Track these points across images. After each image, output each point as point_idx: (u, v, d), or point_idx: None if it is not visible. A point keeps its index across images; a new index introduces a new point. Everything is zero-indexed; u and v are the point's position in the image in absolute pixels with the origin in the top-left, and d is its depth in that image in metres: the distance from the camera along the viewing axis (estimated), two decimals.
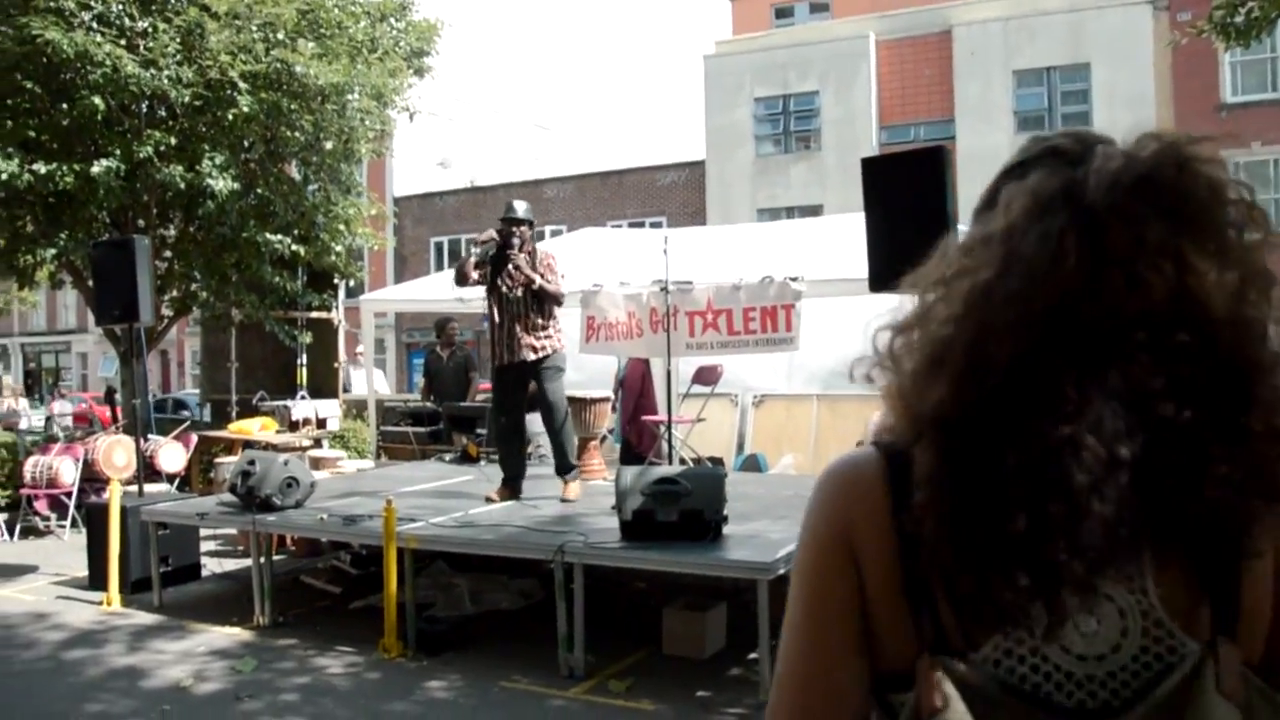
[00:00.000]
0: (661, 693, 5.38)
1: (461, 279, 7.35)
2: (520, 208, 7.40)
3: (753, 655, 5.67)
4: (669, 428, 8.67)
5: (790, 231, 12.55)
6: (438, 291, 11.89)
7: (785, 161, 27.86)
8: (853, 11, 28.66)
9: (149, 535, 7.52)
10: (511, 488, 7.34)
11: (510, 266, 7.11)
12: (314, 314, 13.58)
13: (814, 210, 24.71)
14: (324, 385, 13.65)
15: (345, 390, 14.38)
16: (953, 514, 0.92)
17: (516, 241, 7.13)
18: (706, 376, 9.52)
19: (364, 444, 12.34)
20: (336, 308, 14.12)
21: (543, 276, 7.06)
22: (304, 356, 13.60)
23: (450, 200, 31.57)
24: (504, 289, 7.13)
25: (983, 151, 24.89)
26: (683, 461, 9.28)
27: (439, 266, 28.77)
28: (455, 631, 6.35)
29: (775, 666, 1.07)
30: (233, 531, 8.84)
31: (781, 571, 5.33)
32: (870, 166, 5.59)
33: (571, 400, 8.53)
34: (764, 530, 6.08)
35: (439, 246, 31.20)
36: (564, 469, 7.41)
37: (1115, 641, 0.94)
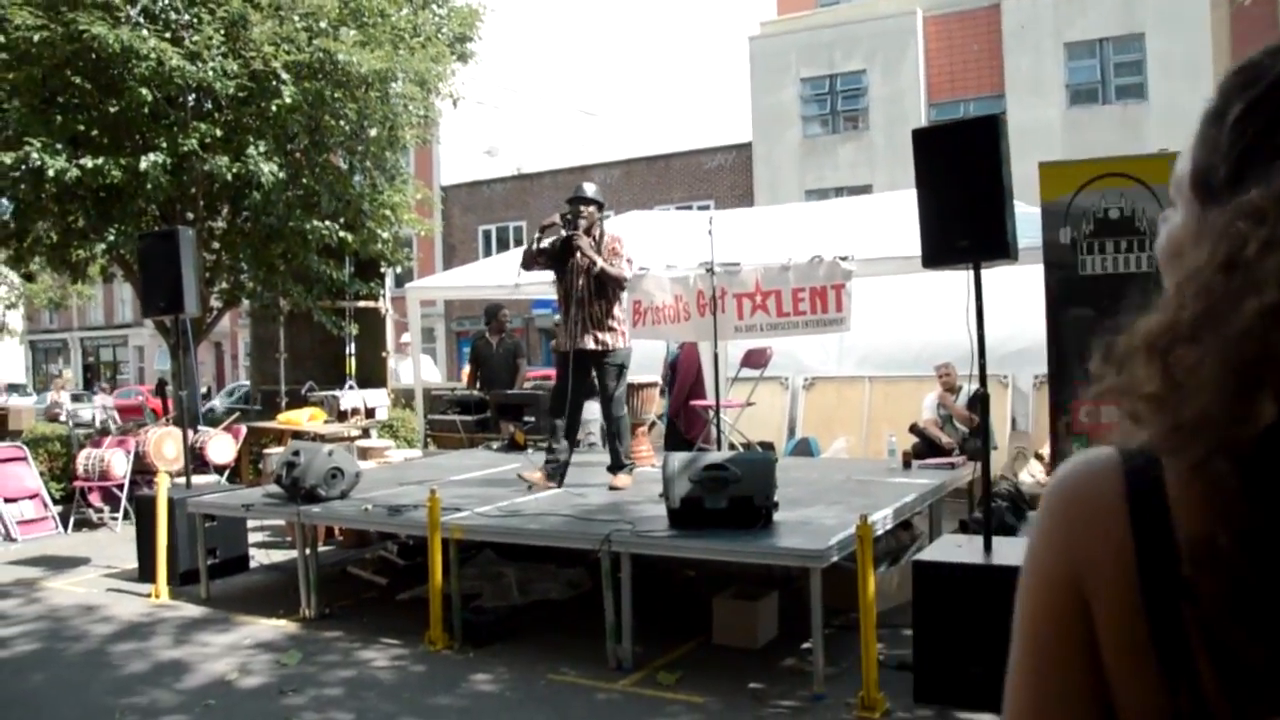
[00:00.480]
0: (712, 685, 5.25)
1: (527, 263, 7.31)
2: (589, 188, 7.31)
3: (806, 645, 5.50)
4: (716, 412, 8.50)
5: (839, 210, 12.30)
6: (485, 278, 11.81)
7: (833, 142, 27.51)
8: None
9: (196, 527, 7.52)
10: (550, 472, 7.24)
11: (575, 254, 7.00)
12: (361, 303, 13.56)
13: (863, 190, 24.40)
14: (372, 375, 13.64)
15: (396, 380, 14.38)
16: (1255, 569, 0.72)
17: (583, 223, 7.03)
18: (755, 360, 9.34)
19: (413, 433, 12.31)
20: (384, 297, 14.09)
21: (606, 260, 6.95)
22: (352, 346, 13.59)
23: (497, 188, 31.58)
24: (570, 274, 7.04)
25: (1034, 126, 24.39)
26: (732, 447, 9.13)
27: (487, 254, 28.81)
28: (502, 623, 6.25)
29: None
30: (281, 523, 8.82)
31: (835, 559, 5.18)
32: (921, 138, 5.37)
33: None
34: (816, 516, 5.92)
35: (487, 234, 31.23)
36: (616, 467, 7.32)
37: None
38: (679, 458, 5.74)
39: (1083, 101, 25.17)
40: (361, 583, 7.63)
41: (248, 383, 24.26)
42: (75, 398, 26.77)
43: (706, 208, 25.93)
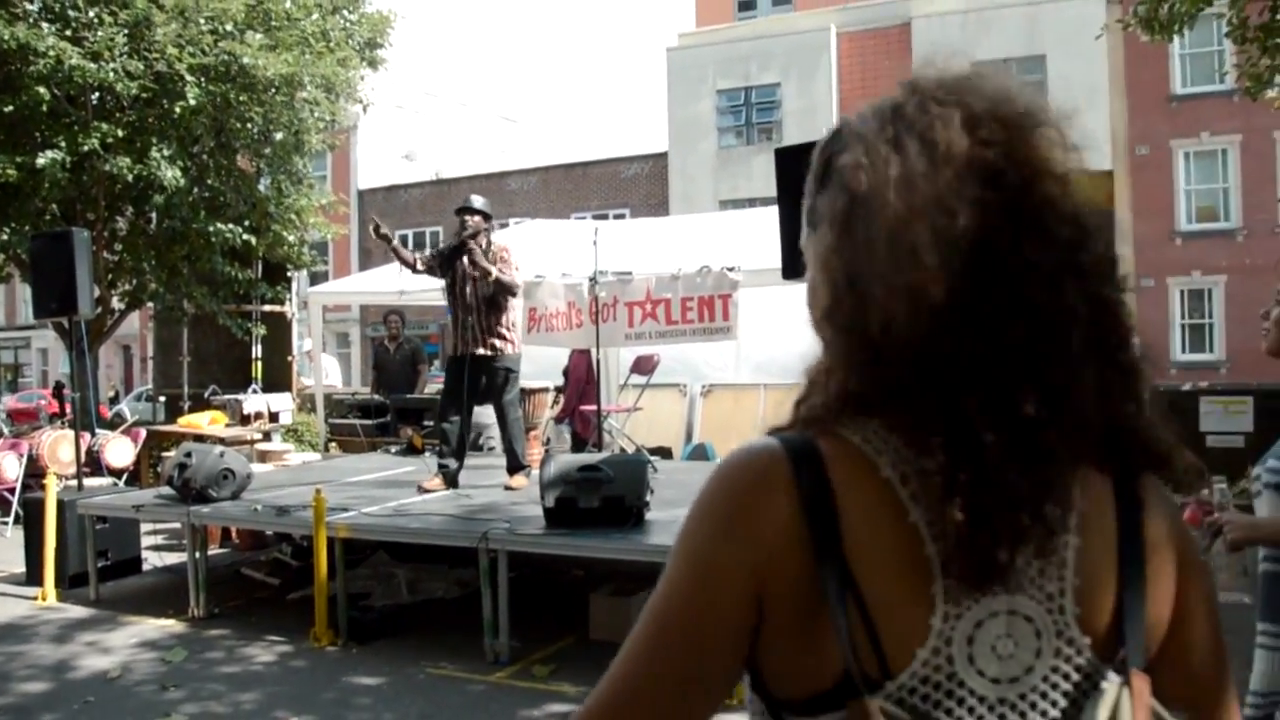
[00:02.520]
0: (585, 676, 5.46)
1: (405, 265, 7.47)
2: (476, 200, 7.46)
3: None
4: (598, 416, 8.74)
5: (735, 222, 12.62)
6: (390, 283, 11.89)
7: (747, 153, 27.96)
8: (814, 4, 28.77)
9: (86, 529, 7.54)
10: (446, 476, 7.36)
11: (466, 259, 7.15)
12: (267, 307, 13.56)
13: (776, 201, 24.83)
14: (278, 379, 13.64)
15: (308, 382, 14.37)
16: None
17: (469, 233, 7.18)
18: (643, 366, 9.62)
19: (316, 437, 12.36)
20: (290, 300, 14.10)
21: (498, 269, 7.10)
22: (258, 349, 13.59)
23: (415, 193, 31.52)
24: (460, 282, 7.18)
25: None
26: (623, 451, 9.39)
27: None
28: (387, 620, 6.41)
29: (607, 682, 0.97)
30: (178, 526, 8.85)
31: None
32: (782, 157, 5.67)
33: None
34: None
35: (404, 239, 31.10)
36: (514, 468, 7.50)
37: (1029, 663, 0.92)
38: (556, 460, 5.96)
39: None
40: (254, 583, 7.72)
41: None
42: None
43: (622, 216, 26.24)
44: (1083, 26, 24.87)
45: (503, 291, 7.19)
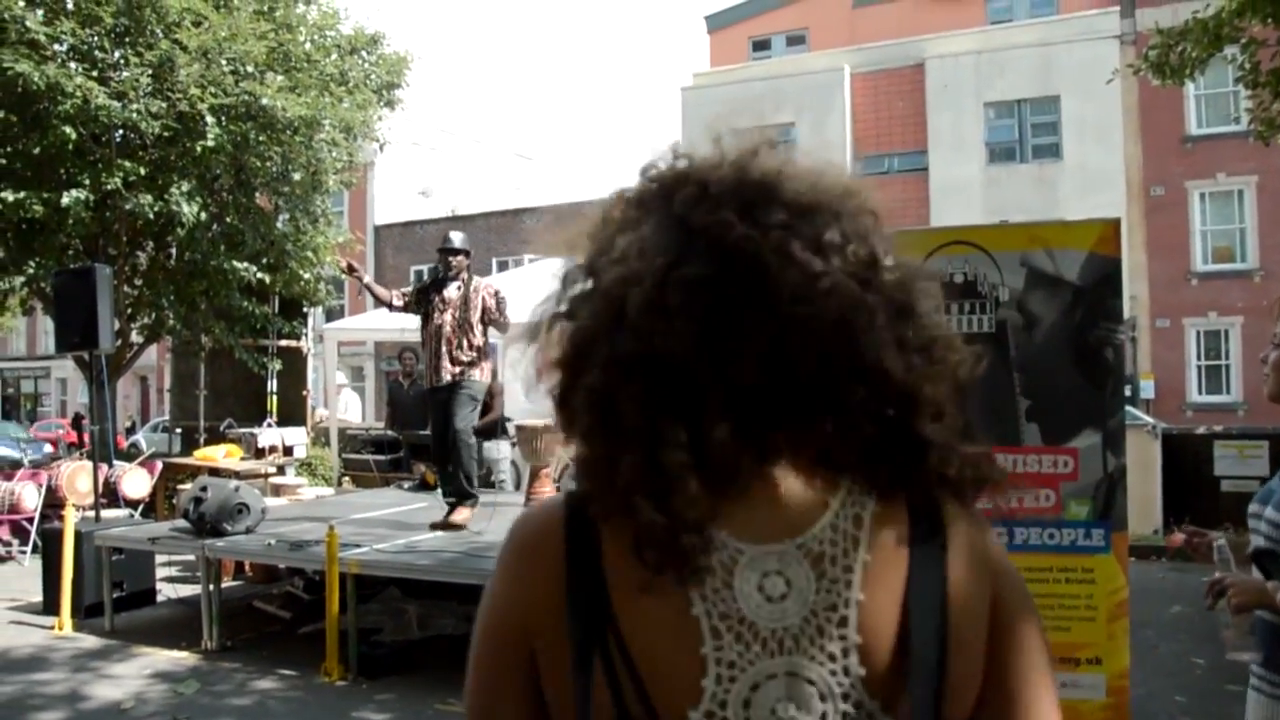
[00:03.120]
0: None
1: (382, 303, 7.52)
2: (456, 238, 7.50)
3: None
4: None
5: None
6: (406, 319, 12.01)
7: None
8: (828, 44, 29.05)
9: (103, 560, 7.62)
10: (456, 510, 7.33)
11: (442, 295, 7.21)
12: (283, 342, 13.70)
13: None
14: (294, 413, 13.76)
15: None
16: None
17: (453, 273, 7.23)
18: None
19: (330, 471, 12.45)
20: (305, 336, 14.24)
21: (484, 308, 7.13)
22: (274, 384, 13.72)
23: (431, 229, 31.71)
24: (435, 316, 7.20)
25: (955, 183, 25.31)
26: None
27: None
28: (397, 655, 6.46)
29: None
30: (192, 558, 8.93)
31: None
32: None
33: (521, 428, 8.68)
34: None
35: (420, 275, 31.32)
36: (461, 495, 7.31)
37: None
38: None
39: (1001, 160, 26.07)
40: (266, 616, 7.79)
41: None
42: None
43: None
44: (1096, 68, 24.99)
45: (472, 330, 7.16)
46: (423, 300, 7.33)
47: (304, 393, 14.23)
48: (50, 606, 7.80)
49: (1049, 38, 25.60)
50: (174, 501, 11.22)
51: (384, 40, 13.76)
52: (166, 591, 8.48)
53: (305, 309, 14.06)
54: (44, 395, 44.49)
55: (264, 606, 7.99)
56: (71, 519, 7.70)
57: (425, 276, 7.51)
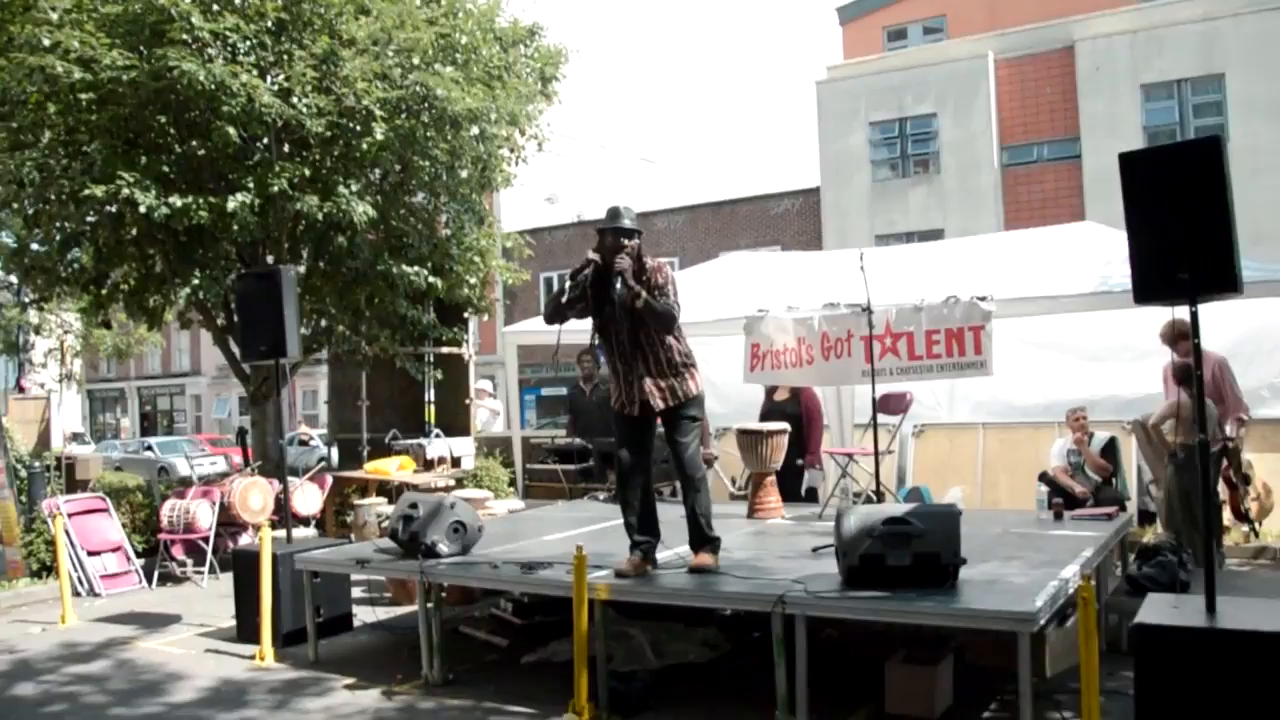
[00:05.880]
0: None
1: (555, 315, 5.95)
2: (626, 218, 5.81)
3: (986, 715, 5.11)
4: (832, 459, 7.95)
5: (956, 251, 11.73)
6: (583, 322, 11.39)
7: (903, 186, 27.07)
8: (969, 30, 27.85)
9: (301, 584, 7.06)
10: (645, 555, 5.85)
11: (615, 286, 5.62)
12: (444, 349, 13.18)
13: (934, 235, 23.91)
14: (454, 422, 13.22)
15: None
16: None
17: (626, 259, 5.68)
18: (894, 405, 8.77)
19: (497, 483, 11.84)
20: (467, 342, 13.69)
21: (649, 291, 5.61)
22: (432, 393, 13.21)
23: (558, 235, 31.38)
24: (613, 320, 5.73)
25: (1111, 171, 23.79)
26: (857, 496, 8.61)
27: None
28: (651, 690, 5.70)
29: None
30: (380, 578, 8.35)
31: (1043, 622, 4.64)
32: (1129, 164, 4.87)
33: (745, 433, 7.91)
34: (999, 573, 5.40)
35: (548, 281, 30.96)
36: (700, 541, 5.84)
37: None
38: (856, 513, 5.21)
39: (1160, 143, 24.55)
40: (478, 644, 7.10)
41: (309, 431, 24.00)
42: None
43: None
44: (1266, 41, 23.44)
45: (658, 322, 5.68)
46: (593, 299, 5.76)
47: (465, 402, 13.67)
48: (245, 633, 7.29)
49: (1213, 12, 24.02)
50: (344, 518, 10.73)
51: (542, 32, 13.16)
52: (361, 616, 7.89)
53: (466, 315, 13.49)
54: (179, 411, 45.41)
55: (472, 632, 7.32)
56: (269, 540, 7.13)
57: (564, 279, 5.93)
